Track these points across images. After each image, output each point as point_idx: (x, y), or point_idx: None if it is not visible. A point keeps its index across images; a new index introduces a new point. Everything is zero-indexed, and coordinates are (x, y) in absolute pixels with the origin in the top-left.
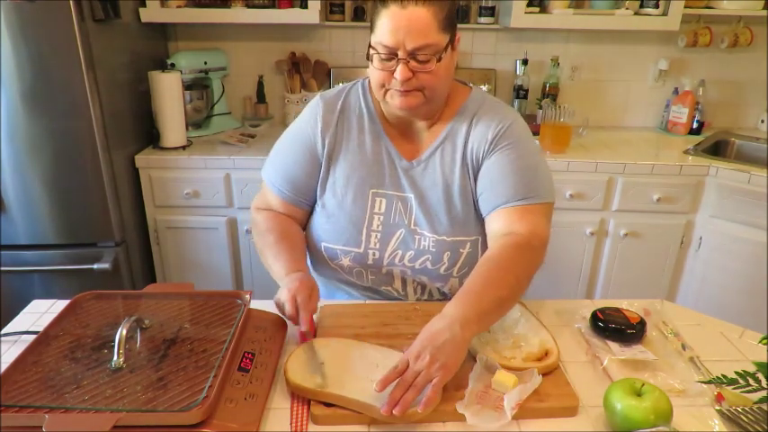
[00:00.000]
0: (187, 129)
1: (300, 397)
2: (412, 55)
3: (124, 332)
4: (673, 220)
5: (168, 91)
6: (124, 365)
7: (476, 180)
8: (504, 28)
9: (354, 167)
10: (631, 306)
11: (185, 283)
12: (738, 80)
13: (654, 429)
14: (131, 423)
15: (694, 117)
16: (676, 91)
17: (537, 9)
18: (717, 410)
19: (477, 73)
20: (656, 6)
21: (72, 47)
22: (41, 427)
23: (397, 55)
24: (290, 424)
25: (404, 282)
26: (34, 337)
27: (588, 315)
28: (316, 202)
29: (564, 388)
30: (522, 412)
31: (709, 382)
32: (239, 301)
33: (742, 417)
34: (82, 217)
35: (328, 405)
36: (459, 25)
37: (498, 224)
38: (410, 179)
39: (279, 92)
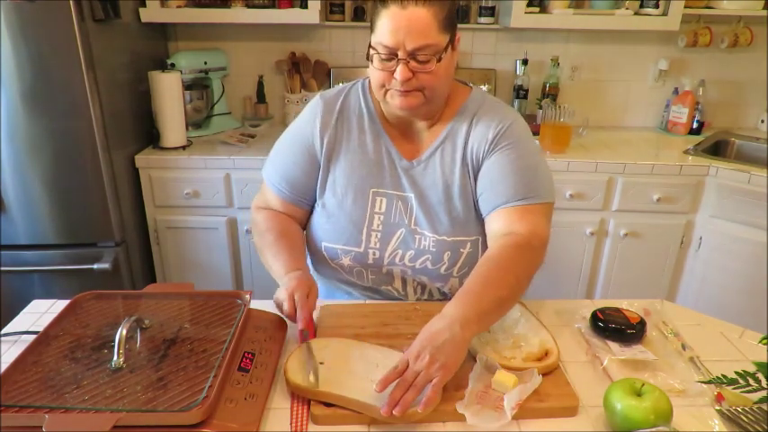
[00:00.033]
0: (187, 129)
1: (300, 397)
2: (412, 55)
3: (124, 332)
4: (673, 220)
5: (168, 91)
6: (124, 365)
7: (476, 180)
8: (504, 28)
9: (354, 167)
10: (631, 306)
11: (185, 283)
12: (738, 80)
13: (654, 429)
14: (131, 423)
15: (694, 117)
16: (676, 91)
17: (537, 9)
18: (717, 410)
19: (477, 73)
20: (656, 6)
21: (72, 47)
22: (41, 427)
23: (397, 55)
24: (290, 424)
25: (404, 281)
26: (34, 337)
27: (588, 315)
28: (315, 201)
29: (564, 388)
30: (522, 412)
31: (709, 382)
32: (239, 301)
33: (742, 417)
34: (82, 217)
35: (328, 405)
36: (459, 25)
37: (498, 224)
38: (410, 179)
39: (279, 92)
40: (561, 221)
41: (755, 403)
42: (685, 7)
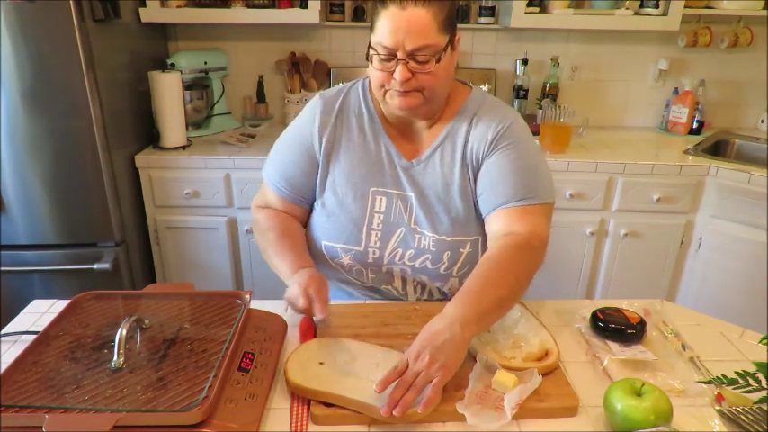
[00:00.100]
0: (187, 129)
1: (300, 397)
2: (411, 56)
3: (124, 332)
4: (673, 220)
5: (168, 91)
6: (124, 365)
7: (476, 180)
8: (504, 28)
9: (354, 166)
10: (631, 306)
11: (185, 283)
12: (738, 80)
13: (654, 429)
14: (131, 423)
15: (694, 117)
16: (676, 91)
17: (537, 9)
18: (717, 410)
19: (477, 73)
20: (656, 6)
21: (72, 47)
22: (41, 427)
23: (396, 56)
24: (290, 424)
25: (404, 281)
26: (34, 337)
27: (588, 315)
28: (314, 200)
29: (564, 388)
30: (522, 412)
31: (709, 382)
32: (239, 301)
33: (742, 417)
34: (82, 217)
35: (328, 405)
36: (459, 25)
37: (498, 224)
38: (410, 178)
39: (279, 92)
40: (561, 221)
41: (755, 403)
42: (685, 7)
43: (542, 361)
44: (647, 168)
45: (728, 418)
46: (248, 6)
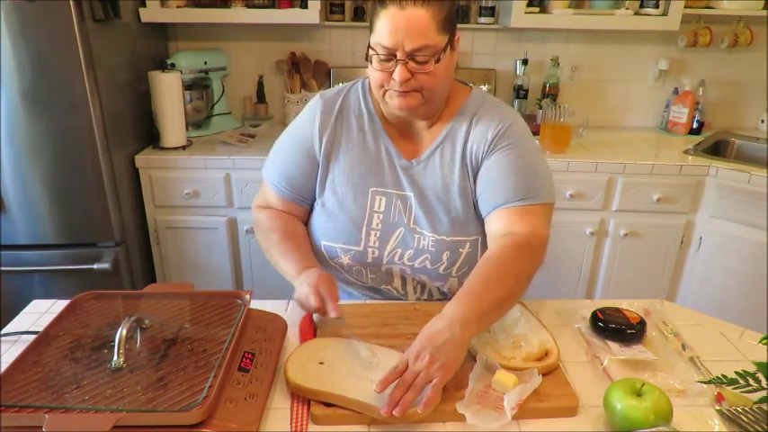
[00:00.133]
0: (187, 129)
1: (300, 397)
2: (410, 56)
3: (124, 332)
4: (673, 220)
5: (168, 91)
6: (124, 365)
7: (475, 180)
8: (504, 28)
9: (354, 166)
10: (631, 306)
11: (185, 283)
12: (738, 80)
13: (654, 429)
14: (131, 423)
15: (694, 117)
16: (676, 91)
17: (537, 9)
18: (717, 410)
19: (477, 73)
20: (656, 6)
21: (72, 47)
22: (41, 427)
23: (395, 56)
24: (290, 424)
25: (403, 280)
26: (34, 337)
27: (588, 315)
28: (315, 200)
29: (564, 388)
30: (522, 412)
31: (709, 382)
32: (239, 301)
33: (742, 417)
34: (82, 217)
35: (328, 405)
36: (459, 25)
37: (498, 224)
38: (410, 178)
39: (279, 92)
40: (561, 221)
41: (755, 403)
42: (685, 7)
43: (542, 361)
44: (647, 168)
45: (728, 418)
46: (248, 6)
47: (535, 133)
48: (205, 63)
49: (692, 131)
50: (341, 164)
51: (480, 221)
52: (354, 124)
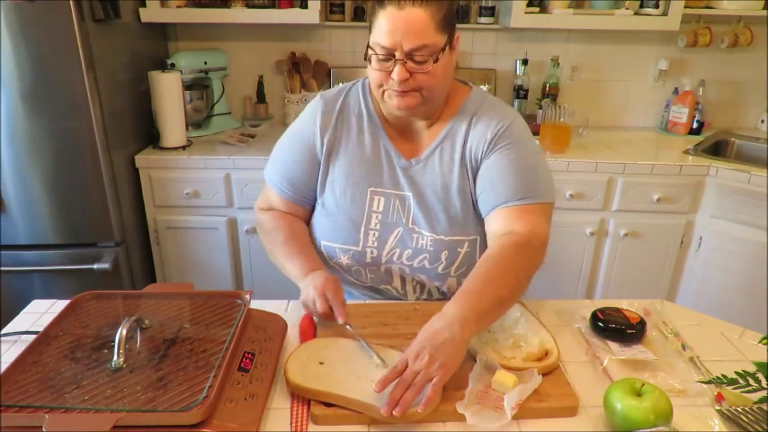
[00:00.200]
0: (187, 129)
1: (300, 397)
2: (409, 56)
3: (124, 332)
4: (673, 220)
5: (168, 91)
6: (124, 365)
7: (475, 180)
8: (504, 28)
9: (353, 166)
10: (631, 306)
11: (185, 283)
12: (738, 80)
13: (654, 429)
14: (131, 423)
15: (694, 117)
16: (676, 91)
17: (537, 9)
18: (717, 410)
19: (477, 73)
20: (656, 6)
21: (72, 47)
22: (41, 427)
23: (394, 56)
24: (290, 424)
25: (403, 280)
26: (34, 337)
27: (588, 315)
28: (316, 200)
29: (564, 388)
30: (522, 412)
31: (709, 382)
32: (239, 301)
33: (742, 417)
34: (82, 217)
35: (328, 405)
36: (459, 25)
37: (498, 224)
38: (409, 178)
39: (279, 92)
40: (561, 221)
41: (755, 403)
42: (685, 7)
43: (542, 361)
44: (647, 168)
45: (728, 418)
46: (248, 6)
47: (535, 133)
48: (205, 63)
49: (692, 131)
50: (341, 164)
51: (479, 221)
52: (354, 124)
